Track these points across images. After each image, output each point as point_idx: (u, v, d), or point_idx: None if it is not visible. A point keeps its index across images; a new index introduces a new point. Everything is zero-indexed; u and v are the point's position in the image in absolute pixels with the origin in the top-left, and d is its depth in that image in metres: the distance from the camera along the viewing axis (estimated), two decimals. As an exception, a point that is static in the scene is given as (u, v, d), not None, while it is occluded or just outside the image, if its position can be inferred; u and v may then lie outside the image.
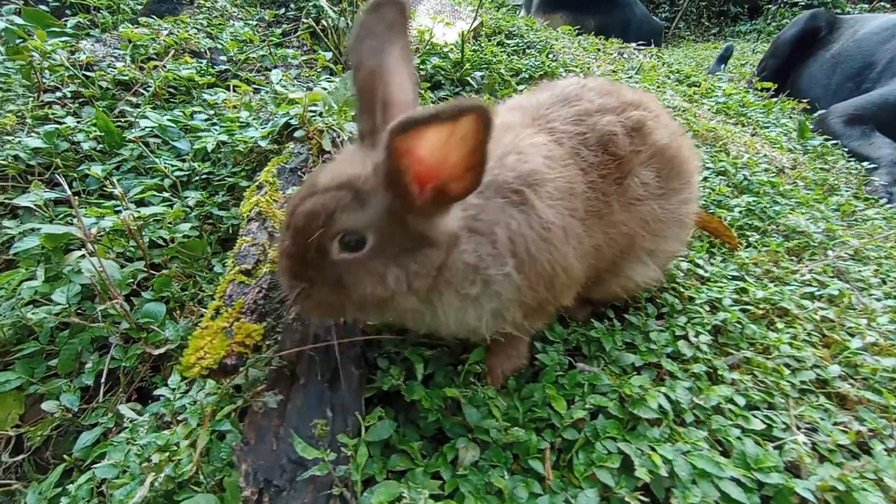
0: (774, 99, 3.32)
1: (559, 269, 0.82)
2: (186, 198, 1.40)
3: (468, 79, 2.29)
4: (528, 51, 2.87)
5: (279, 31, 2.88)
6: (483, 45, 2.74)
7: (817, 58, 3.65)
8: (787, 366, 1.07)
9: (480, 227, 0.78)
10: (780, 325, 1.20)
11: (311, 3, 2.69)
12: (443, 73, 2.35)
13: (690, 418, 0.91)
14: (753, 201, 1.73)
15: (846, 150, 2.68)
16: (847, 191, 2.14)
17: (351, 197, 0.70)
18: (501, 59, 2.51)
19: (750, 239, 1.59)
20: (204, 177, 1.51)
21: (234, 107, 1.79)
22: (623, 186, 0.93)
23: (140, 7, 2.77)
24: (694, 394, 0.95)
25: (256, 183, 1.24)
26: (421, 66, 2.41)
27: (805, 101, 3.30)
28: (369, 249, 0.72)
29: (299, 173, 1.27)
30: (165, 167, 1.45)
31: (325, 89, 1.55)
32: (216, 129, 1.58)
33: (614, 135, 0.92)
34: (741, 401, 0.96)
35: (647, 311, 1.18)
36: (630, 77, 2.66)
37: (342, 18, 2.45)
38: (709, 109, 2.70)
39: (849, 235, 1.68)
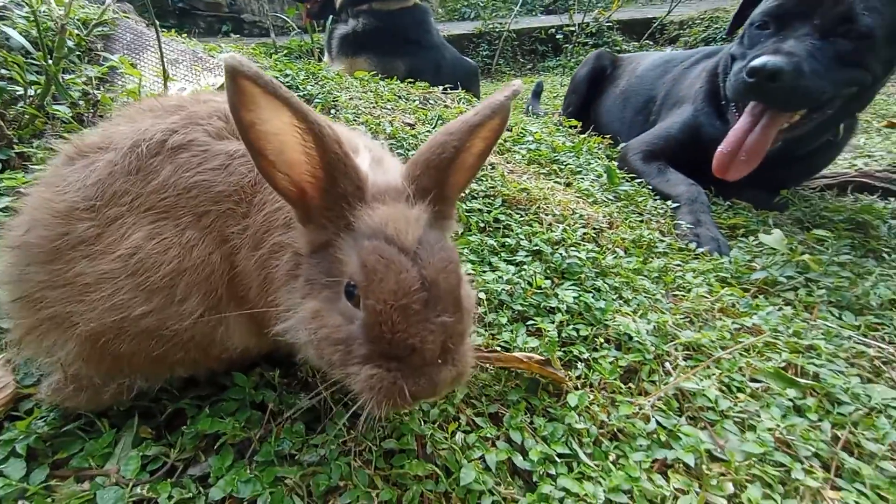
0: (583, 135, 3.30)
1: None
2: None
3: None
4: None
5: None
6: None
7: (608, 94, 3.84)
8: None
9: None
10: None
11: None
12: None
13: None
14: (576, 298, 1.34)
15: (650, 187, 2.66)
16: (662, 241, 1.97)
17: None
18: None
19: (579, 366, 1.17)
20: None
21: None
22: None
23: None
24: None
25: None
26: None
27: (608, 136, 3.35)
28: None
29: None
30: None
31: None
32: None
33: None
34: None
35: None
36: (430, 131, 2.25)
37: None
38: (521, 159, 2.42)
39: (678, 322, 1.39)
